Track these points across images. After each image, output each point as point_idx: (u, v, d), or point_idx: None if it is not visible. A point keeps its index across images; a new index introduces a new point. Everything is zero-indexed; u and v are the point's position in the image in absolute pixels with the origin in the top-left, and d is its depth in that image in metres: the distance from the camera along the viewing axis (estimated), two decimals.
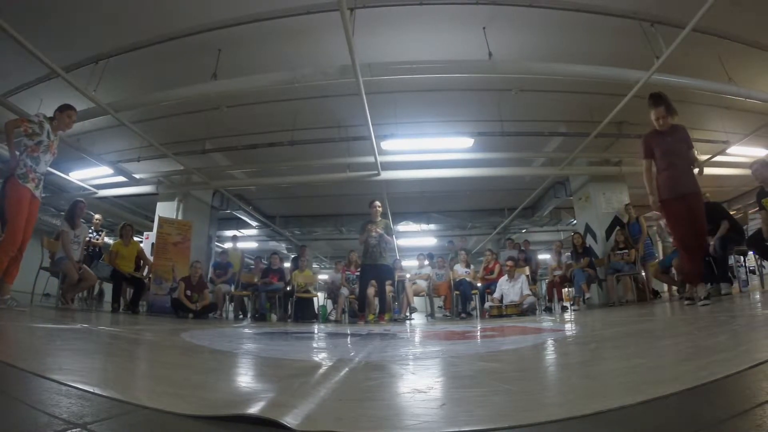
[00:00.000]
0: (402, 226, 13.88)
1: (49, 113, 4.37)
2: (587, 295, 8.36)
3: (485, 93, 7.35)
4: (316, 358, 2.08)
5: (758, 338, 1.76)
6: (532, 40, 6.07)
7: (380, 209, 6.86)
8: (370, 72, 5.63)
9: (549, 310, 8.31)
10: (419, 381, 1.38)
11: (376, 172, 8.73)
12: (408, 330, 4.60)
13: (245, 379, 1.56)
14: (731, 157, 8.73)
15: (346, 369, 1.50)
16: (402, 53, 5.95)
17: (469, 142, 8.15)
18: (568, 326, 3.88)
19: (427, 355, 2.17)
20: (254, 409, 0.82)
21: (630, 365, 1.45)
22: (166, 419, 0.82)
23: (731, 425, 0.70)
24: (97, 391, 0.97)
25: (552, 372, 1.61)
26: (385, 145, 8.08)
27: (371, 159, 8.17)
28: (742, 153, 8.48)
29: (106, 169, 9.07)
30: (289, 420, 0.76)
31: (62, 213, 8.44)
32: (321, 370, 1.49)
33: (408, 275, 9.16)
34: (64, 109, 4.37)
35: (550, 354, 2.11)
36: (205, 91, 6.20)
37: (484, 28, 5.78)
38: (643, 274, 7.73)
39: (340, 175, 9.12)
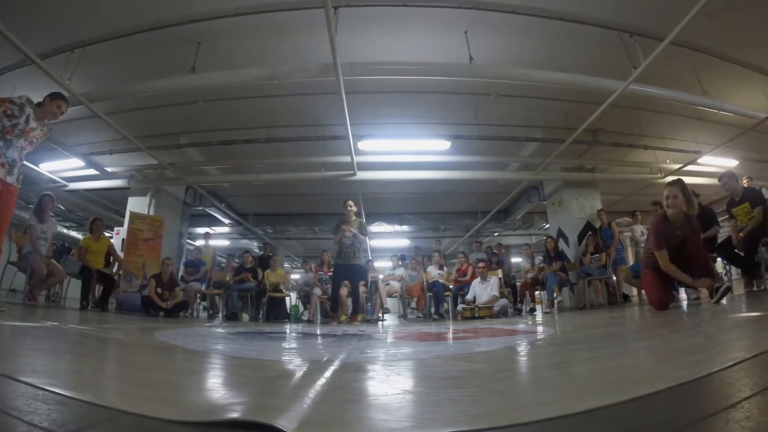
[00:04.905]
0: (375, 227, 13.84)
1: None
2: (558, 298, 8.52)
3: (464, 96, 7.39)
4: (299, 360, 2.05)
5: (730, 340, 1.81)
6: (513, 46, 6.15)
7: (354, 209, 6.77)
8: (351, 71, 5.59)
9: (520, 311, 8.42)
10: (406, 382, 1.38)
11: (351, 172, 8.69)
12: (382, 331, 4.60)
13: (228, 381, 1.52)
14: (702, 167, 9.02)
15: (331, 370, 1.48)
16: (384, 54, 5.96)
17: (446, 144, 8.19)
18: (541, 328, 3.94)
19: (408, 356, 2.16)
20: (244, 413, 0.80)
21: (613, 365, 1.47)
22: (153, 425, 0.77)
23: (720, 419, 0.71)
24: (77, 396, 0.92)
25: (535, 372, 1.62)
26: (362, 145, 8.04)
27: (347, 159, 8.15)
28: (713, 163, 8.77)
29: (77, 161, 8.77)
30: (284, 423, 0.74)
31: (31, 206, 8.13)
32: (305, 371, 1.47)
33: (381, 276, 9.15)
34: (55, 97, 4.02)
35: (532, 355, 2.13)
36: (183, 84, 6.06)
37: (466, 32, 5.82)
38: (614, 278, 7.92)
39: (315, 174, 9.04)
